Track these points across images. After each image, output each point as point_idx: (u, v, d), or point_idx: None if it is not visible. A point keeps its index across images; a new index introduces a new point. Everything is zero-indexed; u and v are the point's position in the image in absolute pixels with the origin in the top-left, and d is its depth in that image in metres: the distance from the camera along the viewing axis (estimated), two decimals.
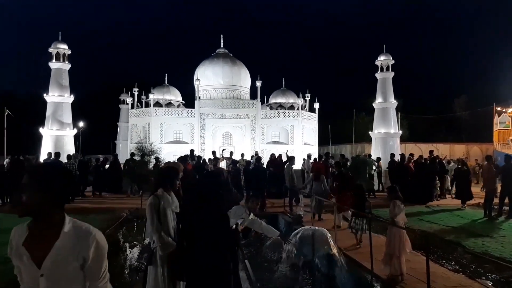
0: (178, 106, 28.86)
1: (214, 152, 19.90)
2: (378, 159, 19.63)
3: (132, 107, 28.66)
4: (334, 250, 6.37)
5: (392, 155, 17.88)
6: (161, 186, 4.41)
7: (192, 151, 19.01)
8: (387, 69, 26.42)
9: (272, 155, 16.78)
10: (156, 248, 4.18)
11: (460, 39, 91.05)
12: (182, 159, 12.21)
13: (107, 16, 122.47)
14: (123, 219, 12.01)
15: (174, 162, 8.26)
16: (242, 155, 20.25)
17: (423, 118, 46.43)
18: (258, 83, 27.05)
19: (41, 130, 23.61)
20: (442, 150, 32.68)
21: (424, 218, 12.28)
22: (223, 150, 20.77)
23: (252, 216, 5.43)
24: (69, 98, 24.05)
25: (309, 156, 18.94)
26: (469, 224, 11.41)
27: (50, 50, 23.93)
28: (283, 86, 30.76)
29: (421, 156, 17.36)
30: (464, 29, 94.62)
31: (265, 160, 17.16)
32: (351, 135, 37.66)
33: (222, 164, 18.70)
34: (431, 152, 18.19)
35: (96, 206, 14.78)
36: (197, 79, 27.84)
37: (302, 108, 28.38)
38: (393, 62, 26.40)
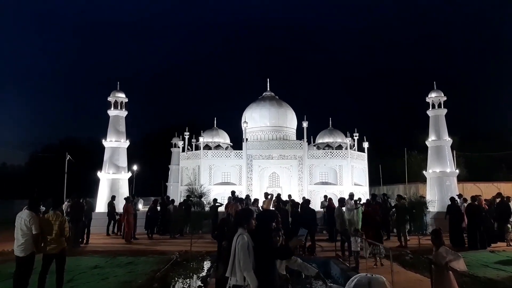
0: (227, 148, 29.42)
1: (266, 194, 19.75)
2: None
3: (183, 150, 29.57)
4: None
5: (453, 199, 17.04)
6: (240, 226, 4.83)
7: (233, 192, 19.13)
8: (439, 106, 25.50)
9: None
10: (247, 286, 4.47)
11: None
12: (239, 200, 12.59)
13: (160, 64, 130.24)
14: (173, 262, 12.10)
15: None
16: (289, 196, 19.80)
17: (481, 155, 43.82)
18: (305, 124, 27.08)
19: (98, 173, 24.82)
20: (505, 189, 30.38)
21: (490, 264, 11.34)
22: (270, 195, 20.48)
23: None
24: (125, 143, 25.29)
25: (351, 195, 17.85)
26: None
27: (109, 99, 25.56)
28: (330, 126, 30.54)
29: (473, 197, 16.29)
30: None
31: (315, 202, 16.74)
32: (404, 175, 36.20)
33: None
34: (499, 194, 17.36)
35: (148, 248, 15.07)
36: (245, 121, 28.42)
37: (350, 148, 27.89)
38: (445, 98, 25.50)
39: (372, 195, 19.38)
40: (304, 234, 5.67)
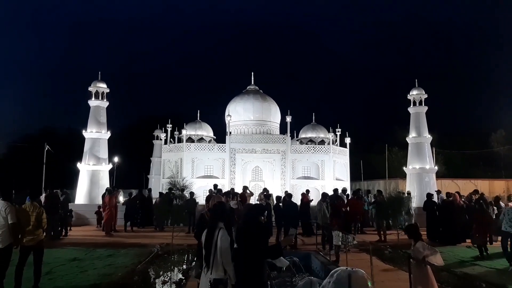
0: (210, 141, 29.29)
1: (245, 187, 19.60)
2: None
3: (166, 143, 29.31)
4: None
5: (429, 195, 17.18)
6: (220, 220, 4.78)
7: (215, 185, 19.04)
8: (420, 103, 25.93)
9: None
10: (228, 278, 4.47)
11: (496, 72, 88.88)
12: (226, 194, 12.60)
13: (142, 55, 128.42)
14: (153, 255, 12.01)
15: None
16: (266, 190, 19.53)
17: (459, 153, 44.87)
18: (288, 118, 27.18)
19: (78, 165, 24.35)
20: (481, 186, 31.24)
21: (466, 259, 11.63)
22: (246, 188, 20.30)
23: None
24: (106, 135, 24.85)
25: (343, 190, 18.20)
26: None
27: (90, 89, 25.00)
28: (313, 121, 30.74)
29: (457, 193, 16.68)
30: (500, 63, 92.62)
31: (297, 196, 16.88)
32: (384, 171, 36.77)
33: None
34: (476, 191, 17.72)
35: (128, 240, 14.93)
36: (228, 115, 28.33)
37: (333, 143, 28.14)
38: (426, 96, 25.92)
39: (355, 190, 19.64)
40: (293, 234, 5.70)
